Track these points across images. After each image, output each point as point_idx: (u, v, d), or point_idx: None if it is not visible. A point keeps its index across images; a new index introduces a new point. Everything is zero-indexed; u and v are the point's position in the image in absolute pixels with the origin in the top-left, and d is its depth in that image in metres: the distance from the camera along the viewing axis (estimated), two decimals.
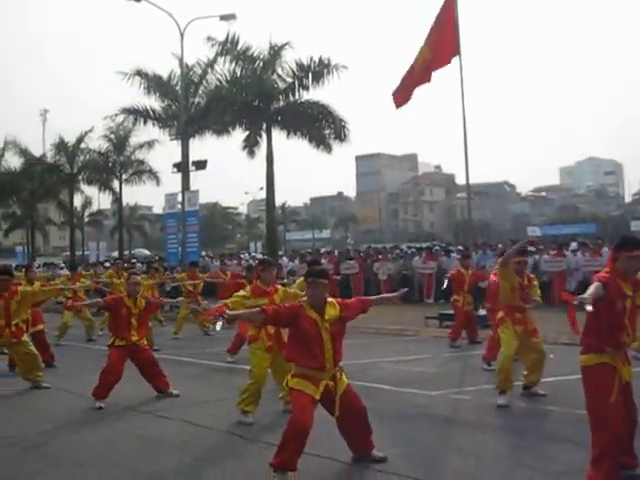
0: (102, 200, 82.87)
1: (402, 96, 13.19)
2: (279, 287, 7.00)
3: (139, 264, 22.77)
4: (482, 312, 12.49)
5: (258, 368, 6.45)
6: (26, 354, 8.15)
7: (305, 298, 5.05)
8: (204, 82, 23.31)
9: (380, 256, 20.92)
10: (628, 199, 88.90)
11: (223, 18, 21.02)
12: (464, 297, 11.23)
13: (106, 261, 28.44)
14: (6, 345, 8.36)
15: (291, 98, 22.18)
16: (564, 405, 6.47)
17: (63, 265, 30.14)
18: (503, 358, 6.93)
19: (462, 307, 11.19)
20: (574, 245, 18.14)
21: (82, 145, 30.12)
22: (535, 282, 7.52)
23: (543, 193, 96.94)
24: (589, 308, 3.97)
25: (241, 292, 6.78)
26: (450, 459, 5.15)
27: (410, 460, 5.07)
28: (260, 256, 20.45)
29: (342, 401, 4.81)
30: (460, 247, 20.86)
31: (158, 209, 66.78)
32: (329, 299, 4.93)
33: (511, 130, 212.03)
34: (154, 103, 24.08)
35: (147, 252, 37.40)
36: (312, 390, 4.70)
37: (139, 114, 24.17)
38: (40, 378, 8.25)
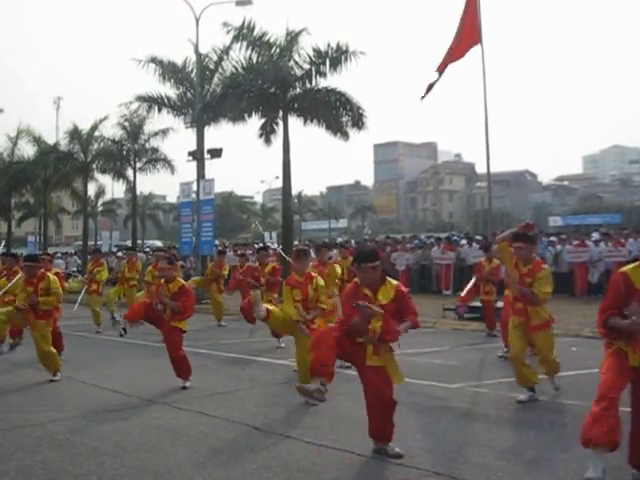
0: (116, 189, 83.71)
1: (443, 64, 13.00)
2: (314, 275, 6.98)
3: (148, 256, 22.78)
4: (500, 304, 12.32)
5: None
6: (44, 344, 8.08)
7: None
8: (220, 69, 23.13)
9: (398, 246, 20.79)
10: None
11: (239, 3, 20.85)
12: (483, 286, 11.14)
13: (118, 250, 28.54)
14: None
15: (308, 85, 21.94)
16: (586, 399, 6.26)
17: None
18: (511, 361, 6.69)
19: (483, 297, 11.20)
20: (596, 235, 17.85)
21: (96, 133, 29.95)
22: (542, 274, 6.45)
23: (565, 182, 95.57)
24: None
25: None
26: (469, 453, 5.08)
27: (429, 453, 5.00)
28: (272, 244, 20.31)
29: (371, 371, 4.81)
30: (478, 237, 20.69)
31: (172, 198, 67.23)
32: (390, 281, 4.88)
33: (533, 118, 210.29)
34: (169, 90, 24.00)
35: (159, 243, 37.37)
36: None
37: (154, 102, 24.08)
38: (55, 371, 8.23)
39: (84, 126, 30.59)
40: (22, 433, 5.78)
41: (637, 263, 4.37)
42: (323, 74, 21.63)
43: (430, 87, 13.14)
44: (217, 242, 26.04)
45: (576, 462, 4.73)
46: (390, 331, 4.76)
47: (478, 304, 11.91)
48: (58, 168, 30.93)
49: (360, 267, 4.82)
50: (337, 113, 22.24)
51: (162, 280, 7.74)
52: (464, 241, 20.02)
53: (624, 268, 4.44)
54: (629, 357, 4.28)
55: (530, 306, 6.42)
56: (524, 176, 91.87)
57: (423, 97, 13.23)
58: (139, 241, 35.44)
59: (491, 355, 9.01)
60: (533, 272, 6.41)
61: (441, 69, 13.09)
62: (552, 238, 18.21)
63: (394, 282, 4.94)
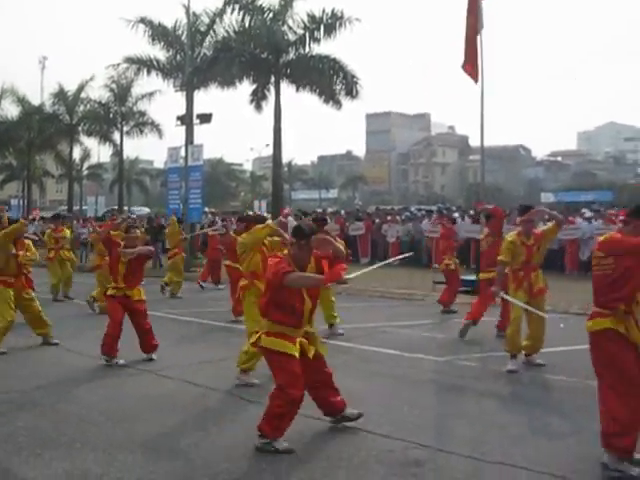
0: (102, 153, 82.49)
1: (472, 66, 12.39)
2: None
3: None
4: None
5: (251, 322, 6.26)
6: (33, 308, 8.10)
7: (286, 252, 4.78)
8: (211, 33, 22.65)
9: (389, 218, 20.71)
10: None
11: None
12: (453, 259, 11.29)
13: (104, 215, 28.22)
14: (17, 297, 8.05)
15: (301, 51, 21.62)
16: (572, 375, 6.38)
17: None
18: (511, 321, 7.02)
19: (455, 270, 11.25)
20: (588, 213, 17.83)
21: (82, 95, 29.31)
22: (547, 236, 7.18)
23: (559, 158, 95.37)
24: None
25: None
26: (456, 425, 5.09)
27: (415, 426, 4.98)
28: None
29: (312, 362, 4.64)
30: (471, 211, 20.65)
31: (159, 164, 66.34)
32: (314, 256, 4.67)
33: (529, 92, 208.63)
34: (158, 53, 23.43)
35: (147, 209, 36.90)
36: (292, 349, 4.50)
37: (142, 64, 23.54)
38: (48, 333, 8.20)
39: (70, 87, 29.99)
40: (4, 399, 5.71)
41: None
42: (317, 40, 21.31)
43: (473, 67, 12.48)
44: (206, 209, 25.79)
45: (562, 436, 4.76)
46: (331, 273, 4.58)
47: (471, 277, 11.91)
48: (42, 130, 30.27)
49: (300, 244, 4.57)
50: (330, 81, 21.95)
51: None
52: (456, 214, 19.95)
53: None
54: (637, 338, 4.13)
55: (533, 272, 7.01)
56: (518, 151, 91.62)
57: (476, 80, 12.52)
58: (125, 207, 34.97)
59: (480, 328, 8.99)
60: (538, 241, 7.05)
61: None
62: (545, 209, 18.17)
63: (315, 255, 4.67)
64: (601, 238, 4.40)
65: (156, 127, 29.42)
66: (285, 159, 40.11)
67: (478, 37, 12.30)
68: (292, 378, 4.45)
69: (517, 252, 7.02)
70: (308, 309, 4.62)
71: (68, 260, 12.98)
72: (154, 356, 7.30)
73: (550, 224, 7.24)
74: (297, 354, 4.51)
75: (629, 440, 3.96)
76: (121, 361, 7.05)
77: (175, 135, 25.88)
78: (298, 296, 4.55)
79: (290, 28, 21.64)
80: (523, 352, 6.99)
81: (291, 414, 4.47)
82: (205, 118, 20.37)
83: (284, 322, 4.55)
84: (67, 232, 13.52)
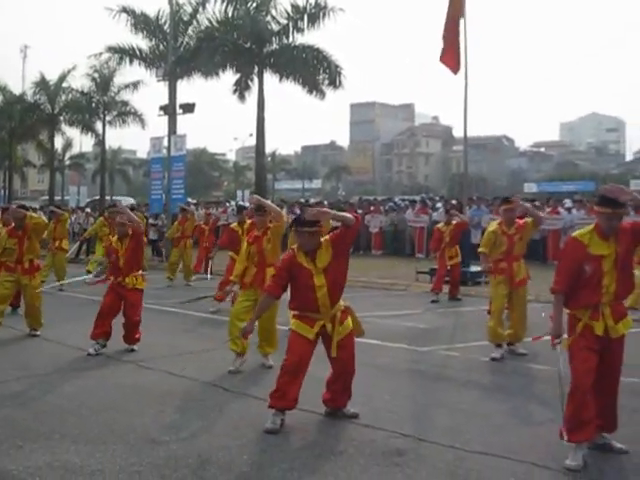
0: (84, 143, 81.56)
1: (451, 58, 12.26)
2: (270, 226, 6.62)
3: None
4: (473, 268, 12.39)
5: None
6: (31, 297, 8.06)
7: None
8: (194, 22, 22.46)
9: (372, 208, 20.71)
10: (629, 157, 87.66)
11: None
12: (447, 251, 11.20)
13: (87, 206, 27.92)
14: (19, 282, 8.12)
15: (285, 41, 21.57)
16: (553, 364, 6.33)
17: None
18: (492, 313, 7.11)
19: (444, 260, 11.24)
20: (569, 203, 17.96)
21: (64, 84, 28.99)
22: (528, 228, 7.21)
23: (542, 148, 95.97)
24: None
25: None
26: (437, 415, 5.12)
27: (397, 415, 5.00)
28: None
29: (339, 346, 4.78)
30: (453, 201, 20.74)
31: (142, 154, 65.79)
32: (326, 239, 4.75)
33: (512, 83, 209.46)
34: (141, 42, 23.18)
35: (131, 200, 36.58)
36: (306, 331, 4.75)
37: (125, 53, 23.28)
38: (38, 325, 8.16)
39: (52, 77, 29.64)
40: None
41: (590, 227, 4.32)
42: (300, 30, 21.25)
43: (454, 58, 12.41)
44: (189, 199, 25.64)
45: (543, 425, 4.79)
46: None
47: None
48: (24, 119, 29.93)
49: (297, 231, 4.76)
50: (314, 70, 21.88)
51: (114, 237, 7.46)
52: (439, 204, 20.01)
53: (575, 233, 4.43)
54: (594, 326, 4.20)
55: (515, 262, 7.03)
56: (501, 141, 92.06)
57: (456, 71, 12.45)
58: (108, 197, 34.64)
59: (463, 318, 9.09)
60: (520, 231, 7.09)
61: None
62: (527, 204, 18.27)
63: (326, 238, 4.77)
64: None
65: (139, 117, 29.20)
66: (268, 149, 39.97)
67: (461, 26, 12.29)
68: (292, 348, 4.73)
69: (498, 242, 7.06)
70: (323, 294, 4.69)
71: (60, 250, 13.03)
72: (135, 347, 7.26)
73: (529, 219, 7.22)
74: (310, 336, 4.75)
75: None
76: (91, 350, 6.98)
77: (158, 125, 25.65)
78: (304, 288, 4.70)
79: (273, 18, 21.58)
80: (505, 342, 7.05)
81: (286, 380, 4.66)
82: (188, 108, 20.20)
83: (301, 308, 4.81)
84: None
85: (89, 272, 12.75)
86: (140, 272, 7.37)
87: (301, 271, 4.72)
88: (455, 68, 12.25)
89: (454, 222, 11.36)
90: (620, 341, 4.26)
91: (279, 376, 4.73)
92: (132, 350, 7.20)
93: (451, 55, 12.22)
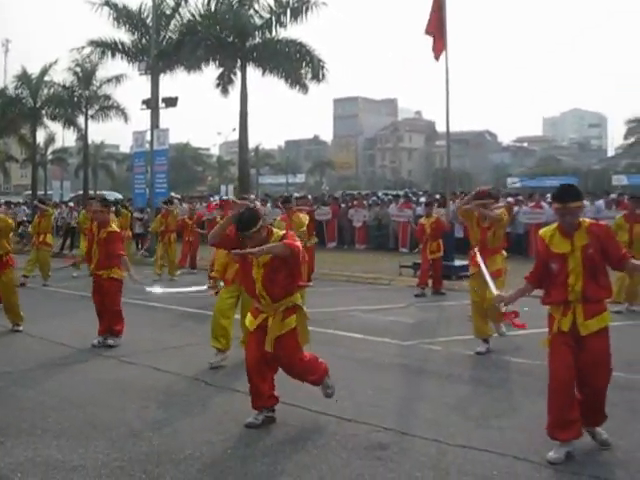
0: (67, 137, 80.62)
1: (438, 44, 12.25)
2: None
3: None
4: (457, 263, 12.46)
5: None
6: (6, 293, 8.04)
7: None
8: (177, 15, 22.29)
9: (355, 202, 20.75)
10: (611, 153, 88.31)
11: None
12: (429, 246, 11.26)
13: (70, 200, 27.67)
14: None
15: (268, 35, 21.51)
16: (534, 358, 6.45)
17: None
18: (471, 307, 7.09)
19: (427, 254, 11.30)
20: (549, 197, 18.11)
21: (46, 78, 28.71)
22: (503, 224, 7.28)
23: (525, 144, 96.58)
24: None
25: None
26: (420, 409, 5.13)
27: (379, 409, 5.01)
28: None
29: (279, 344, 4.61)
30: (437, 195, 20.81)
31: (125, 148, 65.29)
32: (277, 232, 4.67)
33: (495, 78, 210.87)
34: (123, 36, 22.98)
35: (117, 194, 36.29)
36: (251, 323, 4.77)
37: (107, 47, 23.07)
38: (19, 320, 8.12)
39: (34, 70, 29.33)
40: None
41: (555, 224, 4.30)
42: (283, 24, 21.21)
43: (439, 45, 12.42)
44: (173, 194, 25.52)
45: (525, 419, 4.83)
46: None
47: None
48: (5, 113, 29.52)
49: (245, 236, 4.56)
50: (297, 64, 21.86)
51: (94, 224, 7.41)
52: (423, 199, 20.09)
53: (541, 230, 4.43)
54: (561, 322, 4.16)
55: (489, 255, 6.95)
56: (484, 136, 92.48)
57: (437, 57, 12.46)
58: (91, 191, 34.35)
59: (446, 313, 9.13)
60: (494, 225, 7.10)
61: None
62: (509, 199, 18.38)
63: (280, 233, 4.67)
64: None
65: (121, 111, 28.98)
66: (252, 143, 39.76)
67: (443, 13, 12.34)
68: (246, 348, 4.81)
69: (473, 232, 7.16)
70: (260, 287, 4.59)
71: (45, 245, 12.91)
72: (111, 341, 7.16)
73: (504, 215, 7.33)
74: (251, 327, 4.74)
75: None
76: (95, 341, 7.06)
77: (141, 119, 25.32)
78: (249, 277, 4.67)
79: (256, 12, 21.53)
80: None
81: (259, 382, 4.65)
82: (171, 102, 20.07)
83: (249, 295, 4.84)
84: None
85: (26, 277, 12.35)
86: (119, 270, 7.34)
87: (246, 260, 4.67)
88: (438, 53, 12.33)
89: (435, 215, 11.57)
90: (596, 338, 4.13)
91: (247, 379, 4.70)
92: (110, 346, 7.07)
93: (437, 38, 12.29)
